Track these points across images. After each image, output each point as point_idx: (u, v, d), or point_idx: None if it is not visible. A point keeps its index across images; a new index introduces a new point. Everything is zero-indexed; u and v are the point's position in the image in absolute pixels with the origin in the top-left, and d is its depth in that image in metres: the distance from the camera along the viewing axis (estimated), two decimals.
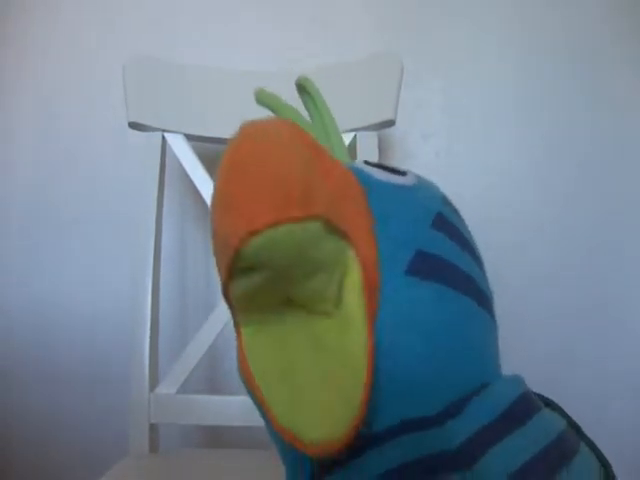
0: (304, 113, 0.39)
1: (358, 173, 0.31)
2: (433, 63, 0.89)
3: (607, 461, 0.29)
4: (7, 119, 0.91)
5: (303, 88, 0.39)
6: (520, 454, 0.26)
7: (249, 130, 0.26)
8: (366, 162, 0.33)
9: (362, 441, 0.26)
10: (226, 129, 0.75)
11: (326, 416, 0.25)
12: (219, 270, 0.26)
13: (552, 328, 0.86)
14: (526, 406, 0.28)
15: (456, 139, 0.88)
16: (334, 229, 0.25)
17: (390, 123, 0.71)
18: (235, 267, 0.24)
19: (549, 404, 0.30)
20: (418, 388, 0.27)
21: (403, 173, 0.33)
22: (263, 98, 0.40)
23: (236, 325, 0.28)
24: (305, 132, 0.27)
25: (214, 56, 0.88)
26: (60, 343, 0.88)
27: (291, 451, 0.30)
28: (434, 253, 0.29)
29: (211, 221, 0.26)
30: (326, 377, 0.25)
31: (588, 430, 0.30)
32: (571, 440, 0.28)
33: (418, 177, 0.34)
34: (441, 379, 0.27)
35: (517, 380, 0.30)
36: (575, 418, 0.30)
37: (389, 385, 0.27)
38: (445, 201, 0.34)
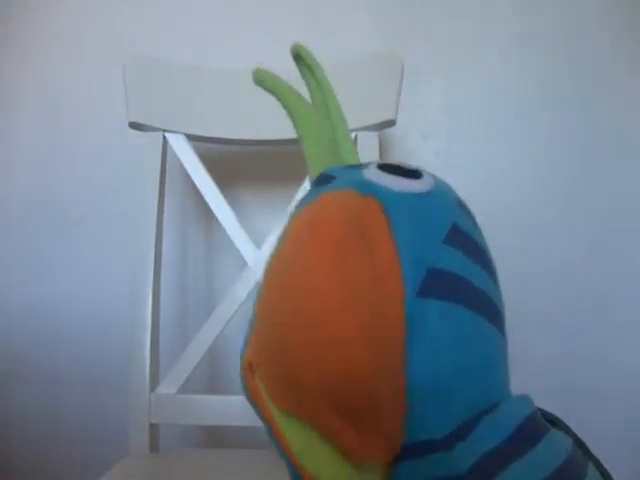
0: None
1: (374, 189, 0.30)
2: (433, 63, 0.89)
3: (612, 478, 0.29)
4: (8, 119, 0.91)
5: (299, 57, 0.38)
6: (530, 479, 0.25)
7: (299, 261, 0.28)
8: (379, 166, 0.32)
9: None
10: (227, 129, 0.75)
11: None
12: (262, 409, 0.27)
13: (552, 328, 0.86)
14: (535, 427, 0.28)
15: (456, 139, 0.89)
16: None
17: (390, 123, 0.71)
18: None
19: (554, 421, 0.30)
20: (425, 409, 0.27)
21: (418, 175, 0.32)
22: (261, 78, 0.37)
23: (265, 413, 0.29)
24: (355, 220, 0.28)
25: (214, 56, 0.88)
26: (60, 343, 0.88)
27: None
28: (446, 269, 0.29)
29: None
30: None
31: (588, 429, 0.30)
32: (579, 461, 0.28)
33: (433, 179, 0.33)
34: (449, 400, 0.27)
35: (525, 400, 0.29)
36: (575, 417, 0.30)
37: None
38: (460, 205, 0.33)
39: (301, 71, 0.38)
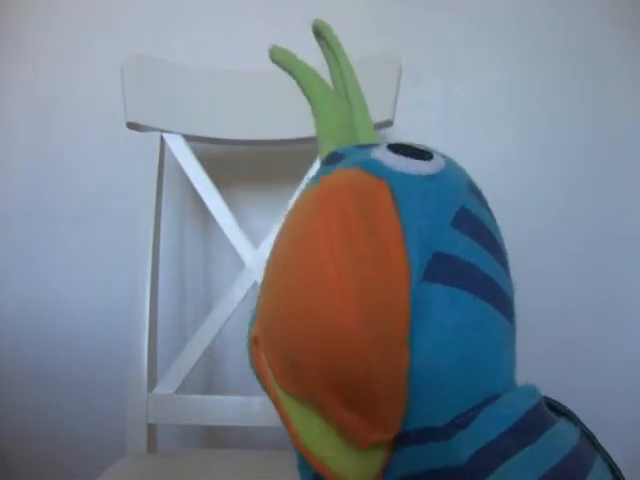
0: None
1: (382, 170, 0.30)
2: (432, 63, 0.89)
3: (620, 472, 0.28)
4: (5, 120, 0.91)
5: (319, 33, 0.38)
6: (530, 473, 0.25)
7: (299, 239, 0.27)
8: (390, 146, 0.32)
9: None
10: (225, 129, 0.75)
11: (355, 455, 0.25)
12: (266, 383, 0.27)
13: (553, 325, 0.86)
14: (538, 419, 0.27)
15: (455, 139, 0.88)
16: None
17: (388, 123, 0.71)
18: None
19: (562, 412, 0.30)
20: (426, 396, 0.26)
21: (429, 156, 0.32)
22: (278, 56, 0.37)
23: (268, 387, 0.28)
24: (353, 200, 0.27)
25: (213, 56, 0.88)
26: (58, 344, 0.88)
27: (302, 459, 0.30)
28: (452, 254, 0.28)
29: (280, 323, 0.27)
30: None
31: (589, 427, 0.30)
32: (584, 455, 0.27)
33: (445, 160, 0.33)
34: (451, 387, 0.26)
35: (530, 391, 0.29)
36: (577, 415, 0.30)
37: None
38: (471, 188, 0.33)
39: (321, 48, 0.38)
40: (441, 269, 0.28)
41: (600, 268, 0.87)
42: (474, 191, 0.33)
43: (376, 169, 0.30)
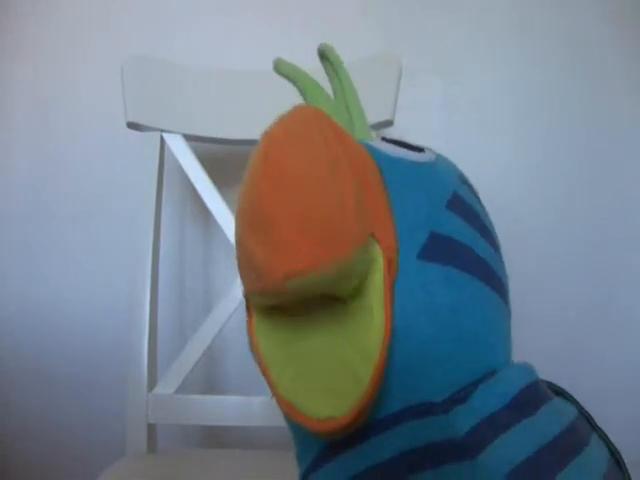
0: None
1: (373, 152, 0.31)
2: (432, 63, 0.89)
3: (617, 450, 0.29)
4: (5, 120, 0.91)
5: (324, 55, 0.39)
6: (527, 445, 0.25)
7: (276, 136, 0.26)
8: (383, 139, 0.33)
9: (366, 426, 0.26)
10: (225, 129, 0.75)
11: (332, 394, 0.25)
12: (243, 279, 0.26)
13: (553, 326, 0.86)
14: (535, 395, 0.28)
15: (455, 139, 0.88)
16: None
17: (388, 123, 0.71)
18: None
19: (561, 393, 0.30)
20: (425, 372, 0.27)
21: (421, 150, 0.33)
22: (282, 68, 0.39)
23: (247, 306, 0.28)
24: (326, 118, 0.27)
25: (213, 56, 0.88)
26: (58, 344, 0.88)
27: (298, 429, 0.30)
28: (448, 235, 0.29)
29: (240, 236, 0.25)
30: (337, 357, 0.25)
31: None
32: (581, 431, 0.28)
33: (436, 154, 0.34)
34: (448, 364, 0.27)
35: (527, 368, 0.29)
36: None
37: (395, 369, 0.26)
38: (462, 179, 0.34)
39: (326, 69, 0.40)
40: (437, 249, 0.28)
41: (600, 268, 0.87)
42: (465, 182, 0.34)
43: (372, 150, 0.31)
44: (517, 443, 0.25)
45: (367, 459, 0.27)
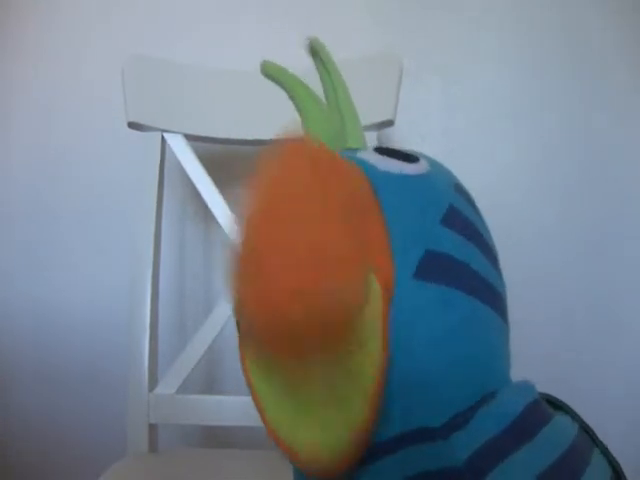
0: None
1: (366, 168, 0.30)
2: (433, 63, 0.89)
3: (619, 466, 0.28)
4: (6, 120, 0.91)
5: (315, 51, 0.38)
6: (527, 473, 0.25)
7: (269, 184, 0.25)
8: (376, 149, 0.32)
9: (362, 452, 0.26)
10: (225, 129, 0.75)
11: (329, 440, 0.24)
12: (240, 322, 0.25)
13: (552, 328, 0.86)
14: (535, 417, 0.27)
15: (455, 139, 0.88)
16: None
17: (389, 123, 0.71)
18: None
19: (560, 406, 0.29)
20: (422, 397, 0.26)
21: (415, 159, 0.32)
22: (269, 71, 0.38)
23: (241, 350, 0.28)
24: (319, 151, 0.26)
25: (213, 56, 0.88)
26: (59, 344, 0.88)
27: None
28: (443, 252, 0.28)
29: (234, 283, 0.25)
30: (333, 398, 0.25)
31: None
32: (582, 449, 0.27)
33: (431, 162, 0.33)
34: (446, 387, 0.26)
35: (527, 387, 0.29)
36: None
37: (392, 394, 0.26)
38: (458, 189, 0.33)
39: (316, 65, 0.39)
40: (433, 267, 0.28)
41: (600, 268, 0.87)
42: (461, 191, 0.33)
43: (364, 166, 0.30)
44: (518, 470, 0.25)
45: None
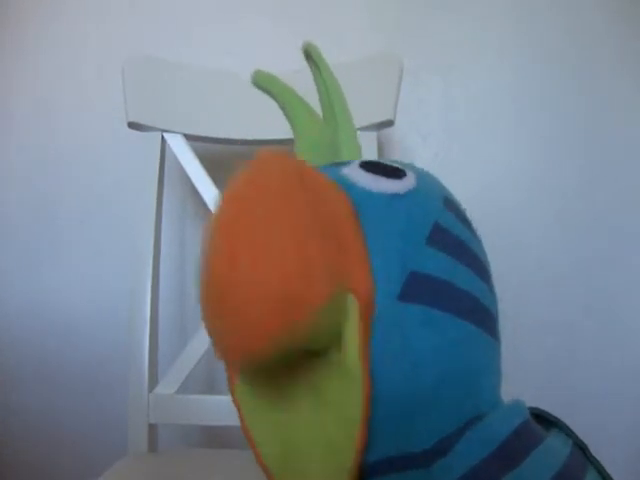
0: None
1: (348, 187, 0.29)
2: (432, 63, 0.89)
3: None
4: (5, 119, 0.91)
5: (309, 55, 0.38)
6: None
7: (236, 201, 0.24)
8: (362, 163, 0.31)
9: None
10: (225, 129, 0.75)
11: (316, 474, 0.24)
12: (216, 351, 0.25)
13: (553, 329, 0.86)
14: (524, 440, 0.26)
15: (455, 139, 0.88)
16: (338, 295, 0.24)
17: (389, 123, 0.71)
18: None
19: (554, 422, 0.29)
20: (406, 421, 0.25)
21: (402, 174, 0.31)
22: (260, 80, 0.37)
23: (229, 376, 0.27)
24: (292, 168, 0.25)
25: (214, 56, 0.88)
26: (59, 344, 0.88)
27: None
28: (428, 273, 0.27)
29: (202, 307, 0.24)
30: (320, 430, 0.24)
31: (589, 432, 0.29)
32: (576, 470, 0.27)
33: (419, 176, 0.32)
34: (431, 411, 0.26)
35: (516, 408, 0.28)
36: (575, 419, 0.29)
37: (376, 419, 0.25)
38: (448, 203, 0.32)
39: (311, 69, 0.39)
40: (417, 289, 0.27)
41: (601, 271, 0.87)
42: (450, 207, 0.32)
43: (342, 185, 0.29)
44: None
45: None
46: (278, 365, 0.25)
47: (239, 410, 0.26)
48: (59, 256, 0.89)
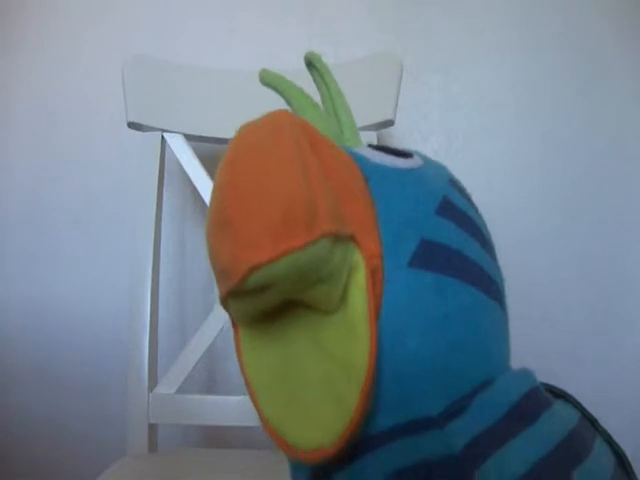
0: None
1: (358, 159, 0.30)
2: (432, 63, 0.89)
3: (623, 451, 0.28)
4: (5, 119, 0.91)
5: (311, 63, 0.39)
6: (527, 458, 0.24)
7: (243, 138, 0.25)
8: (370, 145, 0.32)
9: (357, 444, 0.25)
10: (225, 129, 0.75)
11: (318, 423, 0.24)
12: (217, 286, 0.25)
13: (553, 328, 0.86)
14: (534, 403, 0.27)
15: (455, 139, 0.88)
16: (341, 237, 0.24)
17: (389, 123, 0.71)
18: (235, 292, 0.23)
19: (562, 395, 0.29)
20: (417, 385, 0.26)
21: (409, 155, 0.32)
22: (268, 79, 0.38)
23: (233, 324, 0.27)
24: (301, 123, 0.26)
25: (214, 56, 0.88)
26: (59, 344, 0.88)
27: None
28: (439, 241, 0.28)
29: (208, 238, 0.25)
30: (324, 382, 0.24)
31: None
32: (584, 436, 0.27)
33: (425, 158, 0.33)
34: (442, 375, 0.26)
35: (525, 374, 0.29)
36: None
37: (387, 383, 0.25)
38: (453, 183, 0.33)
39: (313, 77, 0.39)
40: (428, 256, 0.28)
41: (601, 270, 0.87)
42: (455, 186, 0.33)
43: (357, 158, 0.30)
44: (517, 456, 0.24)
45: (359, 479, 0.26)
46: (279, 311, 0.25)
47: (243, 366, 0.26)
48: (59, 256, 0.89)
